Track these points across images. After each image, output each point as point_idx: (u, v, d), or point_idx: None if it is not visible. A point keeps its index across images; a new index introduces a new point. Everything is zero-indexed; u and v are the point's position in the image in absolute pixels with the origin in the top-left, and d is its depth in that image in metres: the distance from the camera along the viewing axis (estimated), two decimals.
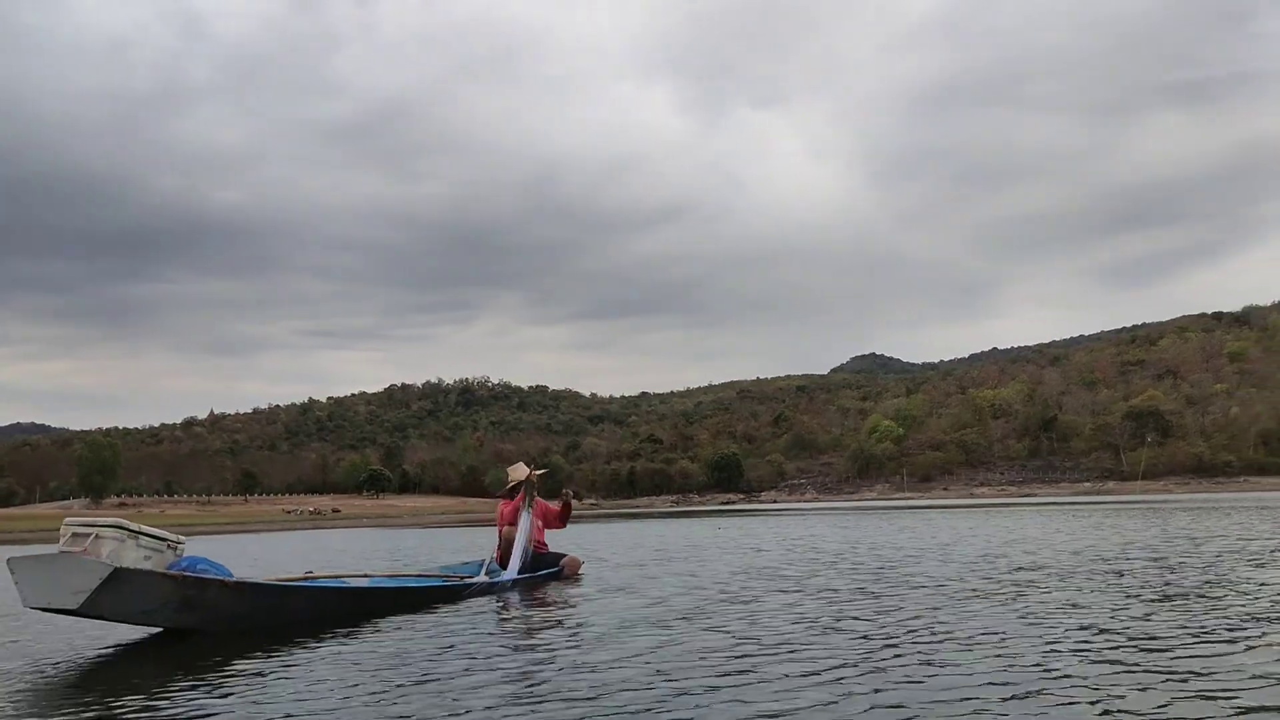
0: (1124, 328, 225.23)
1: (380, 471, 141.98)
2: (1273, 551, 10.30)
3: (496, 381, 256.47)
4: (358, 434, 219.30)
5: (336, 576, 7.82)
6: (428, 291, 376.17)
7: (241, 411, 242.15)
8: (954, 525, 21.19)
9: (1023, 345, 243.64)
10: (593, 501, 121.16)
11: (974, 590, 7.26)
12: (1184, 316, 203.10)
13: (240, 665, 4.91)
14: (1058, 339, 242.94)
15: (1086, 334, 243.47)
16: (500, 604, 7.35)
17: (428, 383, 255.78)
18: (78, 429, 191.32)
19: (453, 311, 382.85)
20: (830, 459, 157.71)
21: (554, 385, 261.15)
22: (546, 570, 8.78)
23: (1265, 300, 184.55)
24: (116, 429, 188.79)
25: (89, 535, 5.60)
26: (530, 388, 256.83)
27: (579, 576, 8.94)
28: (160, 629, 5.99)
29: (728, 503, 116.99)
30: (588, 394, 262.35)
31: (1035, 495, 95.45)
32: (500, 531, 9.09)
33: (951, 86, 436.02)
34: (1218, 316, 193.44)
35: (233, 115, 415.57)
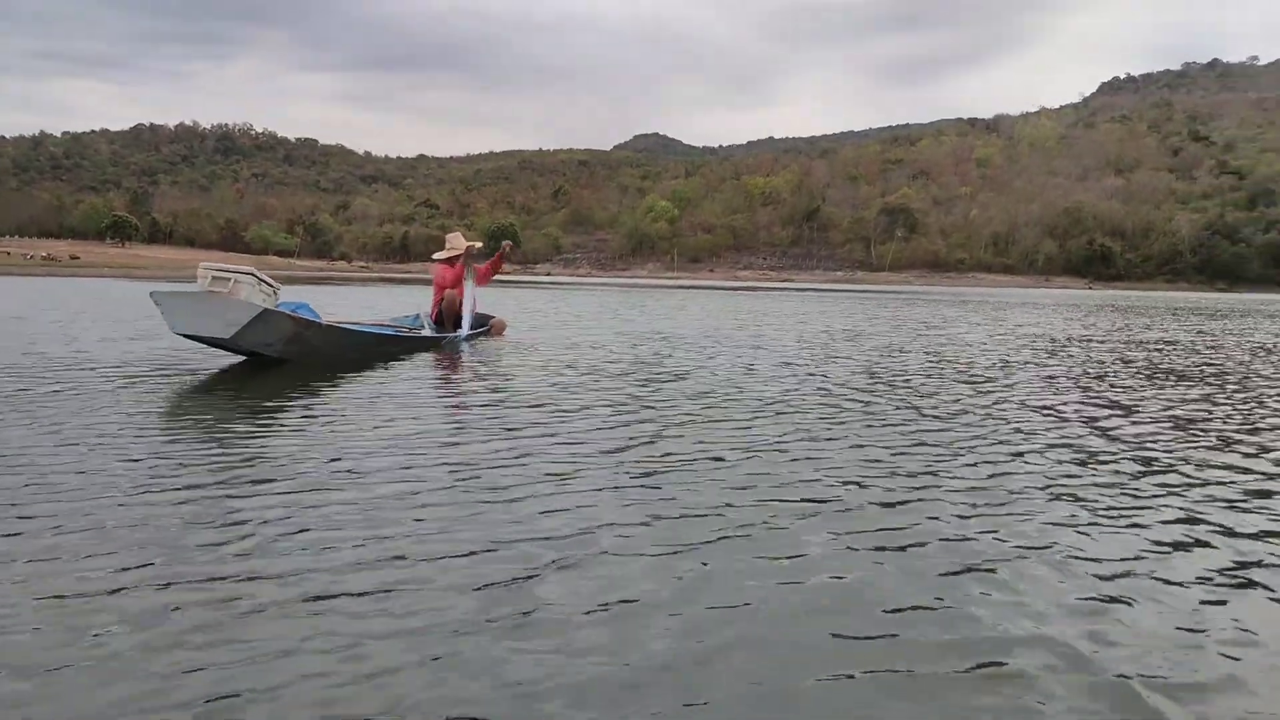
0: (889, 126, 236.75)
1: (125, 218, 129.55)
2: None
3: (260, 130, 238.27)
4: (99, 175, 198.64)
5: (346, 323, 8.89)
6: (179, 20, 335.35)
7: None
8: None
9: (797, 136, 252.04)
10: (362, 264, 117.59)
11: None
12: (943, 120, 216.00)
13: (329, 387, 6.14)
14: (829, 133, 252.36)
15: (855, 130, 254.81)
16: (466, 352, 8.84)
17: (181, 125, 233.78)
18: None
19: (209, 46, 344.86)
20: (606, 235, 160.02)
21: (324, 140, 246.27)
22: (481, 329, 10.48)
23: (1015, 109, 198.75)
24: None
25: (229, 279, 6.89)
26: (298, 139, 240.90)
27: (504, 335, 10.65)
28: (245, 357, 7.28)
29: (503, 272, 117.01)
30: (361, 151, 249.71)
31: (793, 280, 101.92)
32: (441, 293, 10.38)
33: None
34: (972, 122, 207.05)
35: None
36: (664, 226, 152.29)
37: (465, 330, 9.89)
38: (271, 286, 7.12)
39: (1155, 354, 10.67)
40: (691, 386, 6.32)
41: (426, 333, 9.66)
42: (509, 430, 4.54)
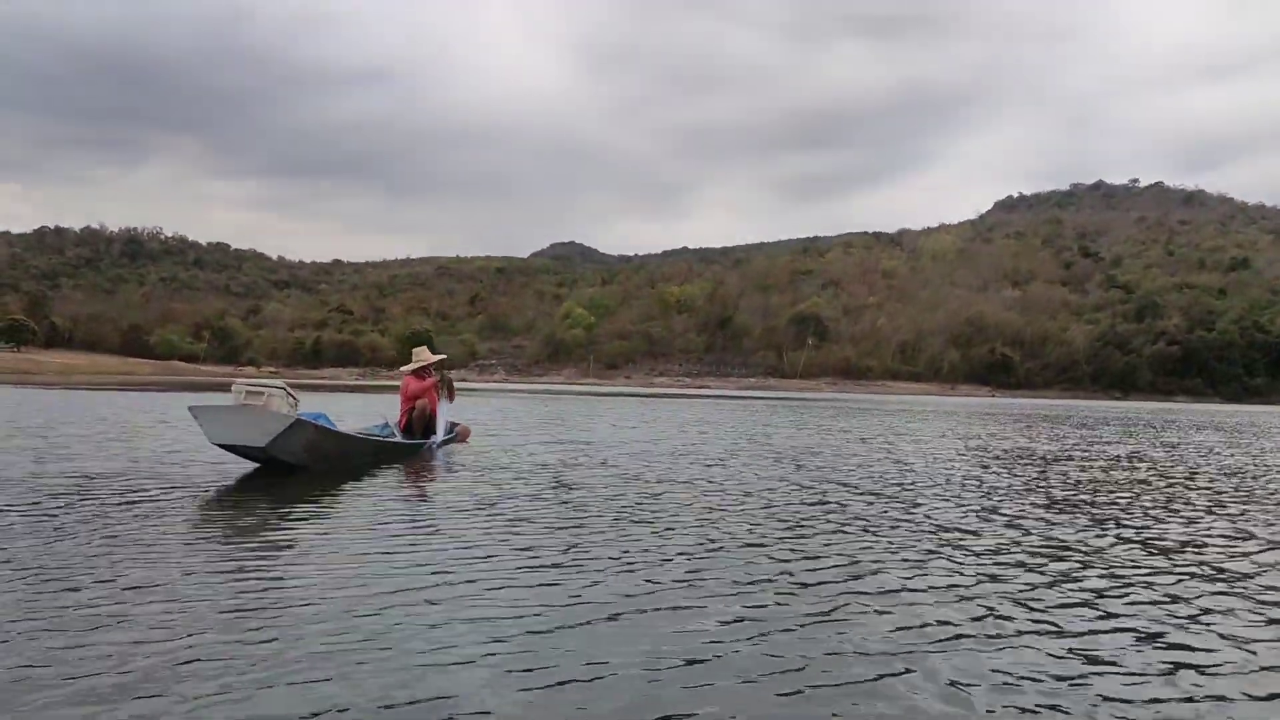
0: (798, 238, 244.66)
1: (22, 321, 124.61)
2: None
3: (170, 234, 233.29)
4: None
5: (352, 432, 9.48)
6: (86, 125, 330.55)
7: None
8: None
9: (710, 246, 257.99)
10: (271, 370, 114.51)
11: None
12: (849, 234, 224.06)
13: (346, 490, 6.90)
14: (741, 243, 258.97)
15: (766, 241, 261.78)
16: (442, 456, 9.79)
17: (87, 228, 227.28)
18: None
19: (117, 151, 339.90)
20: (522, 342, 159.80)
21: (237, 244, 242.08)
22: (450, 435, 11.28)
23: (916, 225, 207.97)
24: None
25: (263, 394, 7.63)
26: (209, 244, 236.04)
27: (469, 441, 11.61)
28: (258, 464, 7.84)
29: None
30: (275, 256, 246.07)
31: (708, 387, 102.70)
32: (410, 404, 10.89)
33: None
34: (877, 236, 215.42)
35: None
36: (581, 333, 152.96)
37: (440, 436, 10.78)
38: (294, 399, 7.80)
39: (1144, 468, 10.75)
40: (694, 511, 6.19)
41: (400, 439, 10.29)
42: (513, 543, 4.92)
